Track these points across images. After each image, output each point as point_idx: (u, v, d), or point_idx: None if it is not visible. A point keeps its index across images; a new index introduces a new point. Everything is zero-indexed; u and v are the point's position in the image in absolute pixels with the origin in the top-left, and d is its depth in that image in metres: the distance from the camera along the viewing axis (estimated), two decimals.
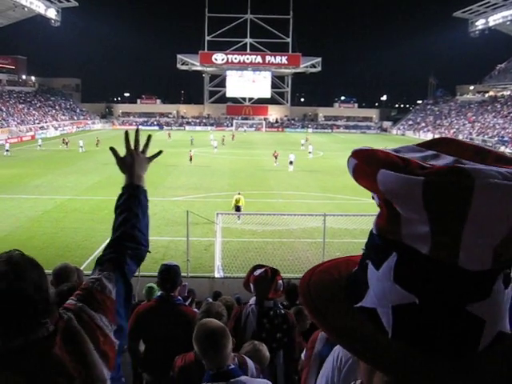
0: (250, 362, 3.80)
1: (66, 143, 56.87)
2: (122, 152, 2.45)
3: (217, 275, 15.21)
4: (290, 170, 39.79)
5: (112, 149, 2.41)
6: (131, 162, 2.38)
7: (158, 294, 5.34)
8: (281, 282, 5.18)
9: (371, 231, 0.90)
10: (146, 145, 2.46)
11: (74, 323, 1.76)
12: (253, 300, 5.16)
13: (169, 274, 5.14)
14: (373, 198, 0.88)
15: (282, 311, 5.13)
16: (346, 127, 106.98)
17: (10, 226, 21.88)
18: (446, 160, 0.80)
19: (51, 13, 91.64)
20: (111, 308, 1.90)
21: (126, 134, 2.43)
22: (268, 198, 28.44)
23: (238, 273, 15.45)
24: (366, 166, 0.83)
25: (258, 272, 5.17)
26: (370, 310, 0.86)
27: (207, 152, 52.59)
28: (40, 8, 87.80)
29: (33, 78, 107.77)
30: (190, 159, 42.48)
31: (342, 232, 19.42)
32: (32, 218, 23.35)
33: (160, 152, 2.56)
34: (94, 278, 1.98)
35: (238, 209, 22.60)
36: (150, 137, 2.47)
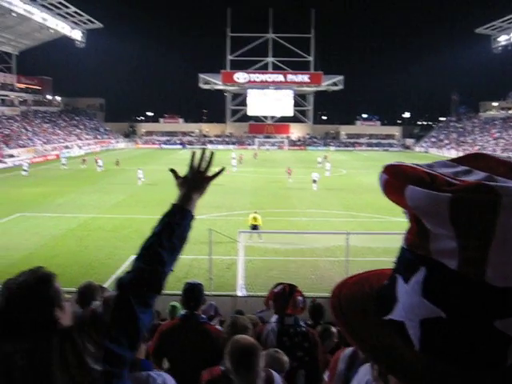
0: (276, 377, 3.78)
1: (84, 161, 57.51)
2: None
3: (239, 294, 15.17)
4: (313, 189, 39.48)
5: (172, 170, 2.33)
6: (190, 182, 2.28)
7: (182, 312, 5.35)
8: (301, 298, 5.16)
9: (401, 246, 0.90)
10: (209, 163, 2.34)
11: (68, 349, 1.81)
12: (274, 318, 5.14)
13: (193, 293, 5.15)
14: (404, 213, 0.86)
15: (303, 329, 5.07)
16: (369, 145, 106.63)
17: (35, 244, 22.12)
18: (477, 176, 0.80)
19: (76, 34, 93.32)
20: (99, 334, 1.88)
21: (193, 153, 2.32)
22: (290, 216, 28.39)
23: (260, 291, 15.39)
24: (395, 181, 0.83)
25: (277, 289, 5.17)
26: (398, 323, 0.86)
27: (229, 170, 52.74)
28: (65, 30, 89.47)
29: (58, 98, 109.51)
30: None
31: (364, 250, 19.27)
32: (56, 236, 23.58)
33: (222, 169, 2.39)
34: (96, 304, 2.01)
35: (254, 227, 22.32)
36: (212, 154, 2.36)
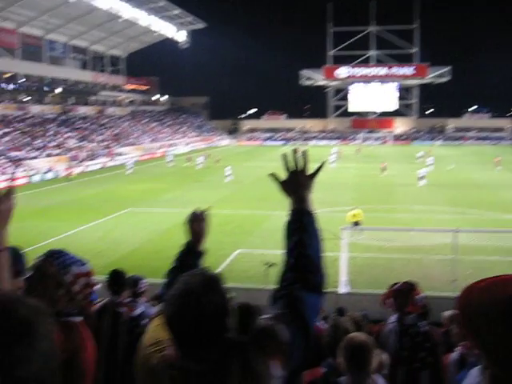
0: (379, 381, 3.66)
1: (189, 159, 59.01)
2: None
3: (342, 291, 15.01)
4: (420, 185, 38.27)
5: (272, 175, 2.27)
6: (292, 183, 2.22)
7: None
8: (420, 296, 4.97)
9: None
10: (305, 161, 2.25)
11: (236, 367, 1.66)
12: (393, 318, 4.97)
13: None
14: None
15: (425, 329, 4.87)
16: (477, 139, 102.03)
17: (143, 239, 23.02)
18: None
19: (181, 35, 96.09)
20: (280, 352, 1.73)
21: (284, 156, 2.26)
22: (395, 212, 27.77)
23: (363, 289, 15.17)
24: None
25: (396, 286, 5.03)
26: None
27: (332, 166, 52.32)
28: (170, 31, 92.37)
29: (164, 97, 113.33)
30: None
31: (474, 249, 18.49)
32: (163, 230, 24.38)
33: (322, 164, 2.34)
34: (266, 317, 1.86)
35: (356, 224, 21.91)
36: (305, 152, 2.27)
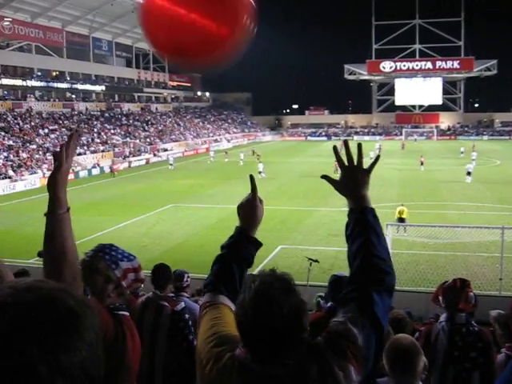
0: None
1: (226, 153, 59.13)
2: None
3: None
4: (467, 181, 37.43)
5: (325, 176, 2.13)
6: (348, 181, 2.08)
7: (328, 304, 5.30)
8: (472, 294, 4.85)
9: None
10: (360, 155, 2.10)
11: (313, 373, 1.61)
12: (444, 317, 4.86)
13: (338, 285, 5.08)
14: None
15: (476, 328, 4.74)
16: None
17: (187, 233, 23.26)
18: None
19: None
20: (357, 355, 1.67)
21: (335, 149, 2.13)
22: (440, 209, 27.32)
23: (408, 286, 14.98)
24: None
25: (447, 283, 4.91)
26: None
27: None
28: None
29: (207, 93, 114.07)
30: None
31: None
32: (206, 225, 24.58)
33: (378, 158, 2.19)
34: (338, 320, 1.77)
35: (401, 220, 21.86)
36: (360, 145, 2.11)
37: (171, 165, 51.64)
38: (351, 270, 1.95)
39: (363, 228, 1.98)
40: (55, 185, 2.23)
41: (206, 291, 2.09)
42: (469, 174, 37.96)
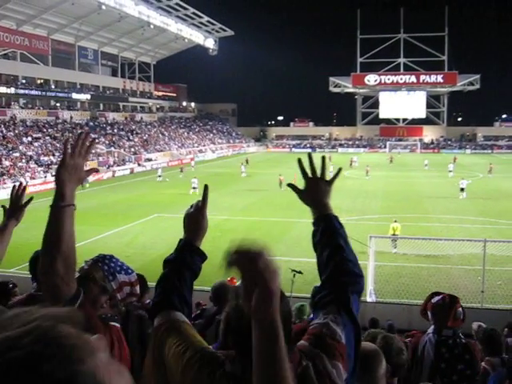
0: None
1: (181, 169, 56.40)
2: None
3: (369, 299, 14.90)
4: (461, 198, 36.41)
5: (291, 185, 2.22)
6: (311, 191, 2.18)
7: (312, 316, 5.29)
8: (460, 309, 4.87)
9: None
10: (323, 167, 2.20)
11: (311, 372, 1.64)
12: (431, 329, 4.88)
13: None
14: None
15: (463, 340, 4.77)
16: (508, 147, 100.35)
17: (171, 244, 22.80)
18: None
19: (209, 42, 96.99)
20: (343, 354, 1.73)
21: (299, 161, 2.21)
22: (423, 221, 27.47)
23: (390, 298, 15.05)
24: None
25: (435, 299, 4.91)
26: None
27: (360, 174, 52.01)
28: (199, 39, 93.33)
29: (192, 104, 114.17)
30: (280, 184, 39.31)
31: (504, 259, 18.25)
32: None
33: (340, 170, 2.29)
34: (320, 322, 1.81)
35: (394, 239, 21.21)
36: (324, 158, 2.22)
37: (159, 176, 50.85)
38: (324, 274, 2.01)
39: (331, 234, 2.06)
40: (59, 180, 2.28)
41: (159, 310, 2.01)
42: (462, 190, 36.99)
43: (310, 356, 1.68)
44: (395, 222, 22.54)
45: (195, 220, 2.30)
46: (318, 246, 2.09)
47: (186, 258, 2.17)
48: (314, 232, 2.13)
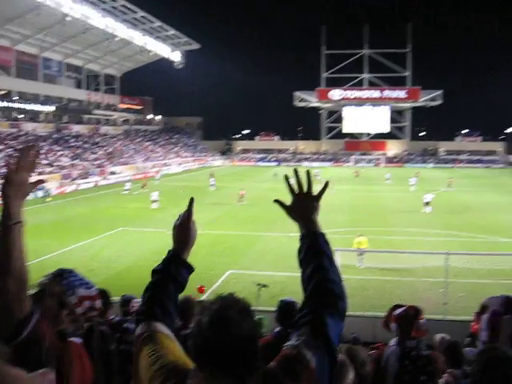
0: None
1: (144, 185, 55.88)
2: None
3: None
4: (426, 211, 36.62)
5: (277, 201, 2.20)
6: (299, 207, 2.14)
7: (276, 330, 5.31)
8: (423, 320, 4.92)
9: None
10: (309, 182, 2.17)
11: None
12: (394, 341, 4.92)
13: (287, 311, 5.10)
14: None
15: (426, 352, 4.82)
16: (469, 162, 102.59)
17: (135, 257, 22.92)
18: None
19: (175, 56, 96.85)
20: (310, 379, 1.69)
21: (286, 177, 2.20)
22: (387, 235, 27.76)
23: (355, 311, 15.12)
24: None
25: (398, 311, 4.96)
26: None
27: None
28: (165, 52, 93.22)
29: (158, 117, 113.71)
30: (241, 198, 40.43)
31: (466, 271, 18.55)
32: (155, 250, 24.23)
33: (327, 184, 2.21)
34: (292, 344, 1.78)
35: (361, 253, 20.85)
36: (309, 173, 2.18)
37: (127, 190, 49.88)
38: (305, 293, 1.97)
39: (315, 253, 2.02)
40: (4, 197, 2.22)
41: (140, 320, 2.02)
42: (427, 204, 37.05)
43: (273, 379, 1.65)
44: (360, 236, 22.30)
45: (181, 231, 2.34)
46: (303, 264, 2.05)
47: (171, 269, 2.21)
48: (299, 248, 2.10)
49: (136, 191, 49.92)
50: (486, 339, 2.60)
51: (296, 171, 2.19)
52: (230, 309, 1.63)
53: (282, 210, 2.19)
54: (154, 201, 37.68)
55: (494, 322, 2.45)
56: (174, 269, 2.21)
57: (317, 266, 1.98)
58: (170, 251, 2.31)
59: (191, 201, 2.36)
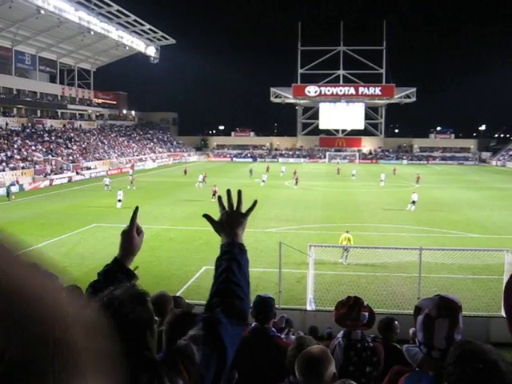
0: None
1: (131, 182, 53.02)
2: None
3: (309, 308, 15.06)
4: (411, 209, 36.03)
5: (206, 216, 2.28)
6: (226, 222, 2.25)
7: (252, 325, 5.32)
8: (365, 314, 4.97)
9: None
10: (239, 201, 2.29)
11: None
12: (341, 334, 5.02)
13: (263, 306, 5.12)
14: None
15: (371, 344, 4.91)
16: (442, 158, 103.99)
17: (109, 254, 22.33)
18: None
19: (151, 51, 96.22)
20: (190, 371, 1.72)
21: (219, 198, 2.32)
22: (361, 230, 27.97)
23: (330, 306, 15.22)
24: None
25: (341, 299, 5.05)
26: None
27: (293, 183, 52.57)
28: (140, 46, 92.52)
29: (133, 112, 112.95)
30: (214, 194, 38.82)
31: (438, 267, 18.80)
32: None
33: (255, 203, 2.35)
34: (184, 338, 1.84)
35: (346, 249, 20.78)
36: (240, 192, 2.31)
37: (107, 185, 47.74)
38: (210, 292, 2.06)
39: (227, 258, 2.12)
40: None
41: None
42: (413, 202, 36.38)
43: (152, 367, 1.70)
44: (347, 232, 22.17)
45: (125, 240, 2.43)
46: (216, 267, 2.14)
47: (114, 276, 2.26)
48: (216, 258, 2.19)
49: (120, 188, 49.23)
50: (422, 340, 2.70)
51: (228, 191, 2.30)
52: (124, 294, 1.71)
53: (210, 224, 2.28)
54: (119, 200, 36.94)
55: (427, 325, 2.55)
56: (115, 276, 2.27)
57: (224, 268, 2.08)
58: (115, 258, 2.41)
59: (135, 210, 2.45)
